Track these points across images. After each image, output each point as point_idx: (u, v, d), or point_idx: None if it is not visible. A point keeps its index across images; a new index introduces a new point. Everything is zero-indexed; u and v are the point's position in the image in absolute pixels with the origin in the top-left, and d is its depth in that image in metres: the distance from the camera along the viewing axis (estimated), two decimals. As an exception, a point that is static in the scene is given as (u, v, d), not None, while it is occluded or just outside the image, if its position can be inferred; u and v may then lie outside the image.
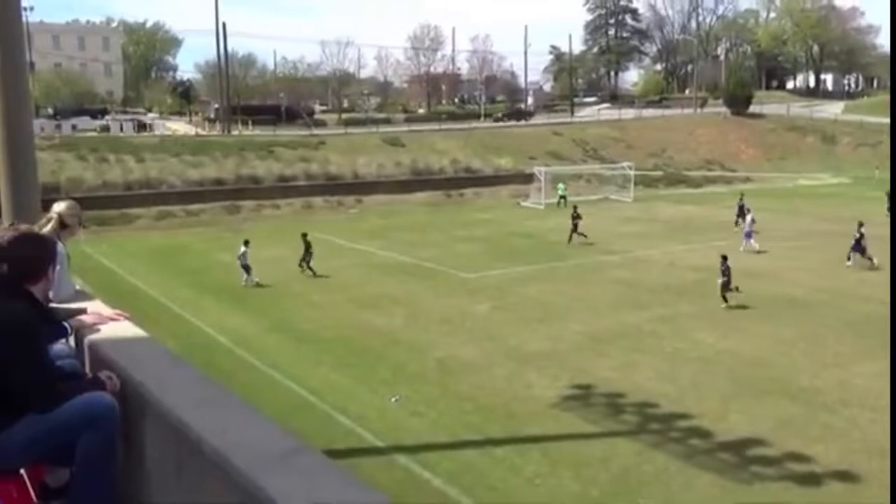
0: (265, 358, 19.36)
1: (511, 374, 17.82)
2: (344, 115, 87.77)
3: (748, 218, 34.12)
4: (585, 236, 35.51)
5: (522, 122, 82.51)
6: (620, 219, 43.89)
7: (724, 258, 24.25)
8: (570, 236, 35.52)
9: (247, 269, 27.97)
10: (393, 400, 16.18)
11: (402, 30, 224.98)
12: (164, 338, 18.46)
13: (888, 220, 31.82)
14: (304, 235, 29.78)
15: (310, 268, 29.14)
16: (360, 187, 54.35)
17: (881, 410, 15.14)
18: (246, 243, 28.52)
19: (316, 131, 69.80)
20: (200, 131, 71.64)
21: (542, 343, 20.26)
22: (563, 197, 50.18)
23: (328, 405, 15.98)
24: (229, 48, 75.51)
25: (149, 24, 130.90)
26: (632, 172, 57.15)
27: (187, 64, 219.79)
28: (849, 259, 29.41)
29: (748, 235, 32.96)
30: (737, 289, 23.83)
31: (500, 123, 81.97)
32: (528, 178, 56.03)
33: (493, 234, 37.86)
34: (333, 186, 53.57)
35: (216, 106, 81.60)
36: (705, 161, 74.42)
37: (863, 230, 29.65)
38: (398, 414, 15.56)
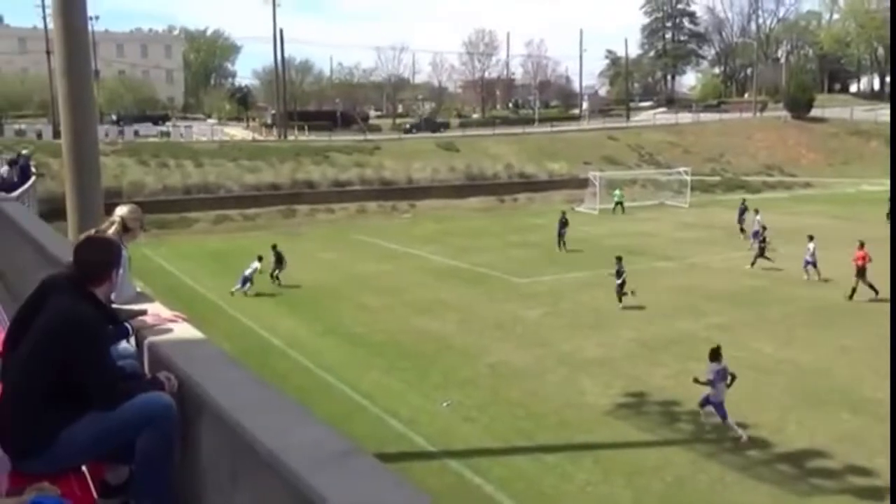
0: (318, 361, 19.57)
1: (563, 381, 17.70)
2: (398, 121, 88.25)
3: (756, 219, 34.35)
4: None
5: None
6: (677, 224, 43.30)
7: (619, 259, 24.86)
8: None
9: (248, 280, 27.34)
10: (444, 405, 16.21)
11: (457, 35, 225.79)
12: (219, 339, 18.84)
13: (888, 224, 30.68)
14: (274, 247, 29.40)
15: (278, 279, 28.51)
16: (414, 192, 54.59)
17: (948, 424, 14.66)
18: (259, 259, 28.11)
19: (370, 136, 70.34)
20: (257, 136, 72.81)
21: (595, 350, 20.09)
22: (619, 203, 49.77)
23: (380, 409, 16.08)
24: (286, 54, 76.78)
25: (209, 32, 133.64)
26: (688, 177, 56.33)
27: (245, 70, 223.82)
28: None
29: (756, 235, 32.70)
30: (632, 292, 24.08)
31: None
32: (583, 183, 55.63)
33: (546, 240, 37.61)
34: (387, 191, 53.94)
35: (273, 112, 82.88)
36: (764, 166, 72.96)
37: (759, 217, 33.77)
38: (450, 419, 15.57)
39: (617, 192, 51.52)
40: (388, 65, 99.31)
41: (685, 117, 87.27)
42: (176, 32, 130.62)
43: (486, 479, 12.80)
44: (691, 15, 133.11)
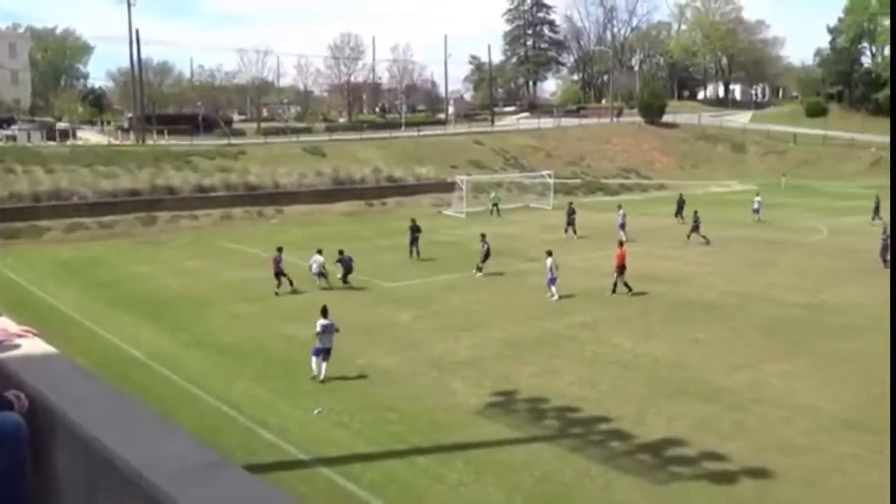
0: (183, 372, 18.94)
1: (435, 383, 17.86)
2: (263, 125, 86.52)
3: (619, 213, 39.64)
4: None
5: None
6: (541, 226, 44.51)
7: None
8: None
9: (322, 275, 28.47)
10: (315, 412, 16.02)
11: (322, 39, 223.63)
12: (75, 354, 17.89)
13: (881, 228, 33.08)
14: (341, 252, 29.30)
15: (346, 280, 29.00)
16: (281, 197, 53.70)
17: (791, 408, 15.77)
18: (319, 252, 28.91)
19: (235, 141, 68.67)
20: (113, 141, 69.61)
21: (466, 351, 20.38)
22: (495, 205, 50.90)
23: (249, 419, 15.72)
24: (143, 56, 73.56)
25: (58, 31, 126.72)
26: (551, 180, 58.07)
27: (99, 72, 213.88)
28: (689, 238, 37.31)
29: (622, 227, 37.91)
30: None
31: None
32: (450, 187, 56.35)
33: (415, 243, 37.83)
34: (253, 196, 52.79)
35: (130, 115, 79.49)
36: (622, 169, 76.21)
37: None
38: (321, 426, 15.41)
39: (493, 195, 52.76)
40: (252, 68, 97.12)
41: (547, 122, 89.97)
42: (21, 30, 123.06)
43: (359, 485, 12.75)
44: (551, 23, 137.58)
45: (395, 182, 59.72)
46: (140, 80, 72.39)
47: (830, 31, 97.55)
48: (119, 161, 53.51)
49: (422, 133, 78.47)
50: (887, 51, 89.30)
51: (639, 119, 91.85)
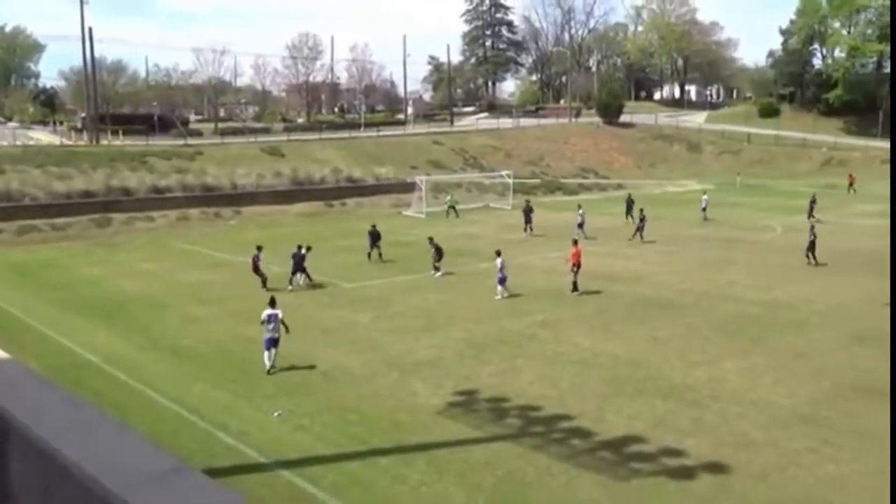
0: (140, 376, 18.64)
1: (395, 384, 17.82)
2: (221, 125, 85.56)
3: (579, 212, 40.68)
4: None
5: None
6: (500, 226, 44.68)
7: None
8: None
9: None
10: (276, 415, 15.89)
11: (280, 38, 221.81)
12: (28, 359, 17.55)
13: (809, 226, 33.80)
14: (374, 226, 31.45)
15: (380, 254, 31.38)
16: (239, 198, 53.15)
17: (748, 404, 16.03)
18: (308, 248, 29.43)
19: (191, 141, 67.81)
20: (66, 141, 68.28)
21: (426, 351, 20.37)
22: (452, 207, 50.89)
23: (208, 422, 15.53)
24: (97, 54, 72.22)
25: (7, 29, 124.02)
26: (510, 180, 58.33)
27: (51, 71, 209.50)
28: (633, 237, 38.22)
29: (580, 226, 39.01)
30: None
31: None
32: (410, 188, 56.28)
33: (375, 244, 37.73)
34: (210, 197, 52.15)
35: (83, 115, 78.03)
36: (580, 169, 76.83)
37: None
38: (281, 428, 15.28)
39: (449, 196, 52.77)
40: (209, 67, 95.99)
41: (506, 122, 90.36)
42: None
43: (320, 487, 12.67)
44: (509, 24, 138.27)
45: (355, 182, 59.46)
46: (93, 79, 71.10)
47: (782, 33, 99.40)
48: (72, 162, 52.53)
49: (381, 133, 78.30)
50: (838, 52, 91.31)
51: (597, 119, 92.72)
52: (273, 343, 18.91)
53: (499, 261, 26.46)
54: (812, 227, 32.94)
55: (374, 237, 34.12)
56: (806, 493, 12.25)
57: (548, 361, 19.29)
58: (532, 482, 12.74)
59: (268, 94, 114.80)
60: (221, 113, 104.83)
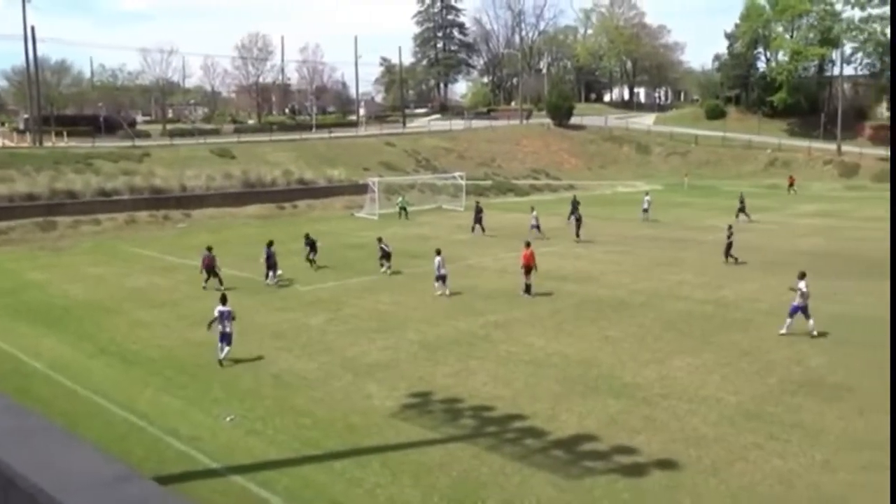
0: (87, 383, 18.28)
1: (349, 386, 17.74)
2: (169, 126, 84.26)
3: (532, 214, 41.15)
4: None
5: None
6: (453, 227, 44.77)
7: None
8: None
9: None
10: (227, 419, 15.70)
11: (229, 38, 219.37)
12: (-30, 367, 17.07)
13: (736, 222, 34.38)
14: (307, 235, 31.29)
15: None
16: (188, 200, 52.36)
17: (697, 401, 16.31)
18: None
19: (139, 143, 66.62)
20: (8, 143, 66.61)
21: (380, 353, 20.32)
22: (403, 208, 50.82)
23: (158, 428, 15.28)
24: (39, 54, 70.56)
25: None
26: (463, 182, 58.50)
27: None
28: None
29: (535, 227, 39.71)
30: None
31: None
32: (362, 189, 56.08)
33: (327, 246, 37.52)
34: (159, 200, 51.30)
35: (26, 116, 76.18)
36: (532, 170, 77.36)
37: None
38: (233, 433, 15.11)
39: (400, 198, 52.70)
40: (156, 68, 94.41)
41: (458, 124, 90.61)
42: None
43: (273, 492, 12.55)
44: (460, 26, 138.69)
45: (307, 184, 59.02)
46: (36, 79, 69.44)
47: (728, 36, 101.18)
48: (14, 164, 51.25)
49: (333, 135, 77.89)
50: (781, 56, 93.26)
51: (548, 121, 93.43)
52: (224, 338, 19.50)
53: (437, 259, 27.03)
54: (730, 227, 33.59)
55: (312, 245, 33.53)
56: (753, 486, 12.50)
57: (501, 362, 19.39)
58: (487, 482, 12.80)
59: (217, 94, 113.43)
60: (170, 114, 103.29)
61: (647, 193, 51.35)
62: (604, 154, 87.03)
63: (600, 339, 21.29)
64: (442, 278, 26.95)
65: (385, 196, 53.47)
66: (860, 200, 59.91)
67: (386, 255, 31.05)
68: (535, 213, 41.04)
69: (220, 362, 19.39)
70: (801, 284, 21.18)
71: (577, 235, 39.06)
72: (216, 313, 19.63)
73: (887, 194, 63.41)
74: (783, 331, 21.16)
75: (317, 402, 16.71)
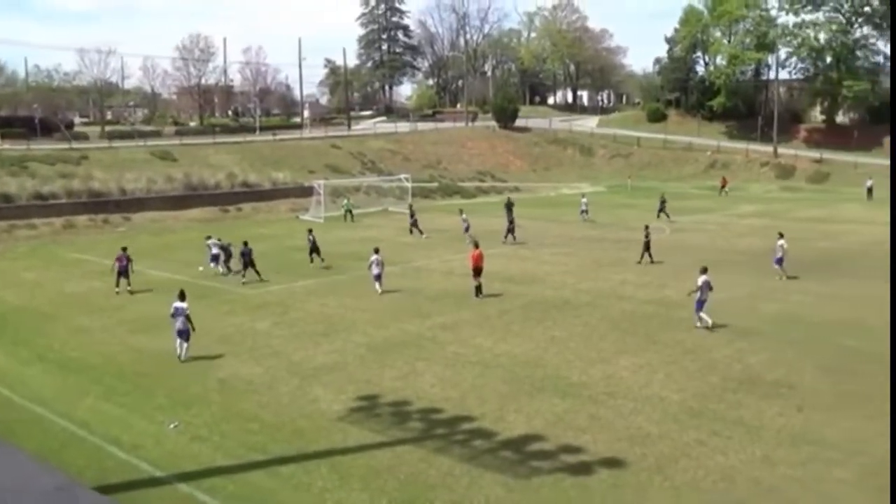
0: (25, 391, 17.79)
1: (296, 391, 17.58)
2: (108, 128, 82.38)
3: (462, 217, 40.82)
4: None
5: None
6: (400, 229, 44.69)
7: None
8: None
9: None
10: (171, 426, 15.42)
11: (169, 39, 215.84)
12: None
13: (644, 226, 34.92)
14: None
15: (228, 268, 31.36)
16: (128, 204, 51.38)
17: (642, 400, 16.56)
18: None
19: (76, 145, 65.08)
20: (-62, 145, 64.40)
21: (327, 357, 20.19)
22: (348, 211, 50.59)
23: (99, 437, 14.94)
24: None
25: None
26: (409, 184, 58.49)
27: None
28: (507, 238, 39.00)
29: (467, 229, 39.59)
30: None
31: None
32: (308, 192, 55.68)
33: (273, 249, 37.17)
34: (98, 203, 50.22)
35: (-44, 117, 73.76)
36: (477, 172, 77.71)
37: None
38: (178, 440, 14.85)
39: (346, 200, 52.42)
40: (94, 68, 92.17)
41: (404, 126, 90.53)
42: None
43: (220, 499, 12.37)
44: (405, 28, 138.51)
45: (251, 187, 58.38)
46: (-32, 79, 67.33)
47: (668, 41, 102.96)
48: (-55, 167, 49.63)
49: (278, 137, 77.12)
50: (719, 60, 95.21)
51: (493, 123, 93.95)
52: (181, 335, 19.87)
53: (374, 257, 27.78)
54: (647, 227, 34.10)
55: (225, 250, 32.74)
56: (697, 483, 12.74)
57: (449, 363, 19.42)
58: (435, 484, 12.80)
59: (157, 96, 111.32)
60: (109, 116, 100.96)
61: (583, 195, 52.03)
62: (548, 156, 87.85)
63: (547, 340, 21.46)
64: (377, 277, 27.53)
65: (331, 199, 53.16)
66: (796, 201, 61.54)
67: (315, 249, 32.39)
68: (464, 215, 40.90)
69: (180, 358, 19.77)
70: (701, 279, 22.37)
71: (506, 237, 39.12)
72: (172, 309, 20.01)
73: (821, 195, 65.51)
74: (697, 324, 22.32)
75: (263, 407, 16.52)
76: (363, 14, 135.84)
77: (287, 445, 14.46)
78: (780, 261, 29.08)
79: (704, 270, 22.62)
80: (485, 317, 24.17)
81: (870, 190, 61.80)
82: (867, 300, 25.31)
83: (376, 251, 27.89)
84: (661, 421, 15.38)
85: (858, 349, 20.06)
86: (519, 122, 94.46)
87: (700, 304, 22.32)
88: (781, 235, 29.57)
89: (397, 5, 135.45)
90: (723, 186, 68.56)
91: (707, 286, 22.25)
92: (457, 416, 15.71)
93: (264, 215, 53.78)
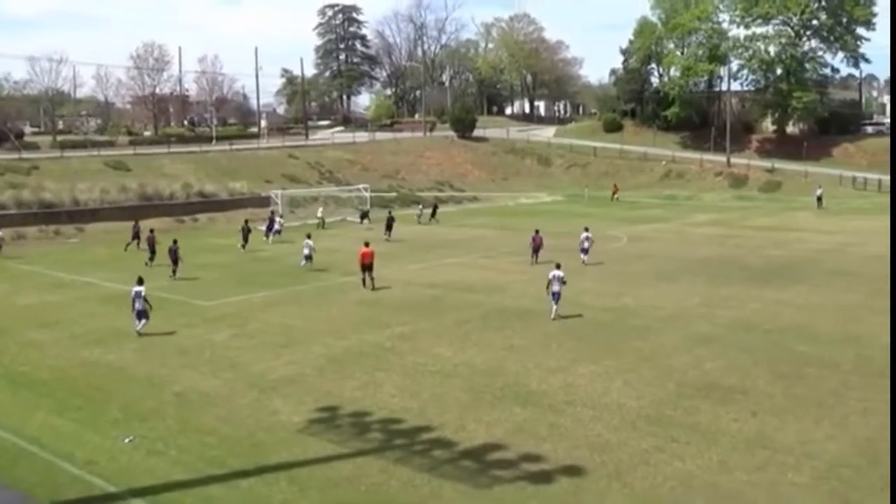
0: (-27, 407, 17.30)
1: (255, 403, 17.39)
2: (60, 138, 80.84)
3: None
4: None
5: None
6: (358, 240, 44.43)
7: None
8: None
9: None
10: (126, 440, 15.14)
11: (123, 48, 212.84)
12: None
13: (584, 227, 35.77)
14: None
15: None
16: (81, 214, 50.51)
17: (601, 407, 16.69)
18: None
19: (27, 155, 63.79)
20: None
21: (286, 368, 20.01)
22: (322, 220, 50.81)
23: (50, 453, 14.59)
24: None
25: None
26: (367, 194, 58.39)
27: None
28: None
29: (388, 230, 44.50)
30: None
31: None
32: (265, 202, 55.30)
33: (231, 261, 36.79)
34: (49, 214, 49.35)
35: None
36: (436, 182, 77.87)
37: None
38: (133, 455, 14.57)
39: (320, 209, 52.76)
40: (45, 77, 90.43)
41: (362, 136, 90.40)
42: None
43: (177, 514, 12.17)
44: (363, 38, 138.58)
45: (207, 197, 57.75)
46: (-87, 88, 65.70)
47: (623, 52, 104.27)
48: None
49: (234, 147, 76.49)
50: (673, 71, 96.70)
51: (451, 133, 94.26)
52: (140, 315, 22.54)
53: (307, 241, 34.14)
54: (586, 229, 36.50)
55: (172, 253, 33.01)
56: (655, 489, 12.87)
57: (408, 373, 19.38)
58: (396, 495, 12.75)
59: (111, 105, 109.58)
60: (60, 125, 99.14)
61: (586, 229, 46.30)
62: (506, 166, 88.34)
63: (506, 349, 21.54)
64: (308, 258, 33.68)
65: (289, 209, 52.80)
66: (749, 210, 62.73)
67: (270, 228, 38.74)
68: (392, 214, 45.57)
69: (138, 332, 22.24)
70: (553, 273, 24.70)
71: (385, 235, 43.64)
72: (132, 293, 22.36)
73: (773, 204, 66.86)
74: (552, 316, 24.40)
75: (222, 420, 16.30)
76: (320, 24, 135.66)
77: (246, 458, 14.28)
78: (585, 250, 35.19)
79: (558, 266, 25.05)
80: (444, 326, 24.19)
81: (819, 199, 63.57)
82: (817, 307, 25.95)
83: (308, 236, 33.68)
84: (620, 428, 15.52)
85: (808, 354, 20.50)
86: (477, 133, 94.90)
87: (555, 295, 24.51)
88: (587, 229, 36.00)
89: (354, 15, 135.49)
90: (614, 193, 70.45)
91: (558, 280, 24.53)
92: (417, 427, 15.67)
93: (221, 226, 53.20)
